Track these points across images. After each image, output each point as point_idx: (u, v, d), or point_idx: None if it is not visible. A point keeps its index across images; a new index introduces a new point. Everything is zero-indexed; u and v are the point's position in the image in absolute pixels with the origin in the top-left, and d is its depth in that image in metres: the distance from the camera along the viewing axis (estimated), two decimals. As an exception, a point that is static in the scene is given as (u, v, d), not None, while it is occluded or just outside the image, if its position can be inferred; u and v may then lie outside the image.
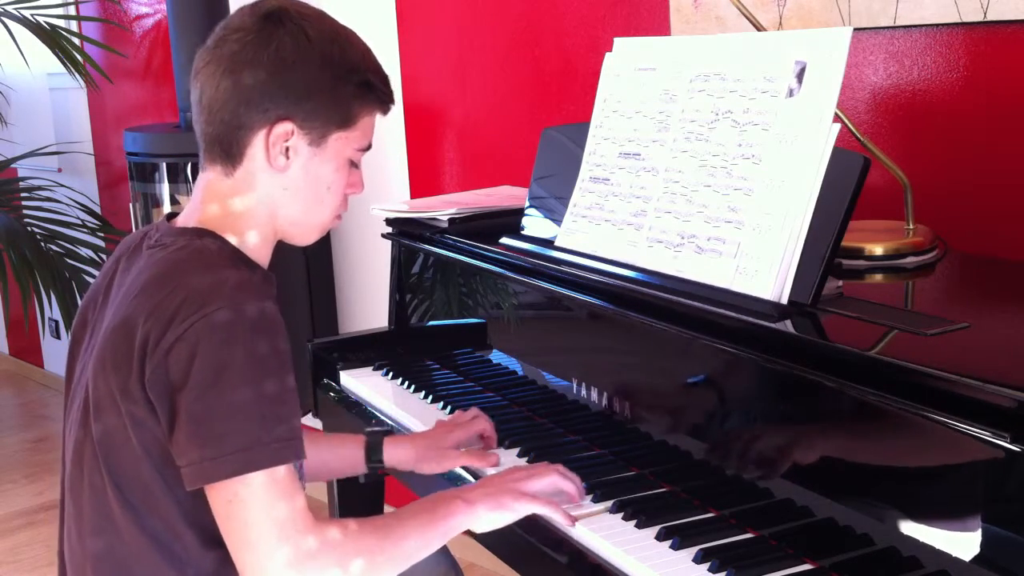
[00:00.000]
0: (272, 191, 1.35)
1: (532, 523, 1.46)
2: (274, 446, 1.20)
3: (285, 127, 1.31)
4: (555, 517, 1.41)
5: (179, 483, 1.24)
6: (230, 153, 1.33)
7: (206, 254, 1.29)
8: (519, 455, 1.64)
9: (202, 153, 1.37)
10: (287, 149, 1.33)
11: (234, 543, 1.22)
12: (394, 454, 1.66)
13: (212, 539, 1.28)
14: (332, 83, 1.32)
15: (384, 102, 1.39)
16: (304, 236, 1.41)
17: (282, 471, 1.21)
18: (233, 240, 1.34)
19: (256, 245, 1.36)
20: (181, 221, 1.38)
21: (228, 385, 1.19)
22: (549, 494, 1.43)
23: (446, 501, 1.38)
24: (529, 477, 1.43)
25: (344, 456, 1.67)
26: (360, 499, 2.01)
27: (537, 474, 1.44)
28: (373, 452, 1.66)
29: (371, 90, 1.36)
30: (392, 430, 1.71)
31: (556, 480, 1.44)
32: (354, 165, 1.40)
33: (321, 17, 1.35)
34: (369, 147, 1.40)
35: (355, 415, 1.99)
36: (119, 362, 1.25)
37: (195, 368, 1.19)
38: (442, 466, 1.64)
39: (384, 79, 1.38)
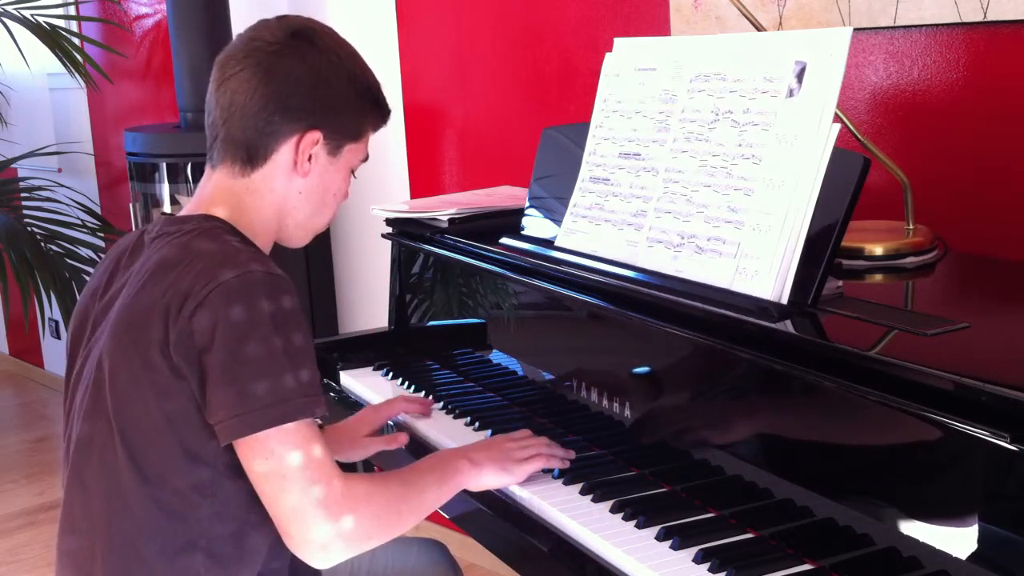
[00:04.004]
0: (287, 194, 1.44)
1: (533, 523, 1.46)
2: (301, 400, 1.27)
3: (314, 136, 1.41)
4: (553, 464, 1.55)
5: (201, 452, 1.29)
6: (255, 156, 1.41)
7: (214, 232, 1.37)
8: (519, 455, 1.65)
9: (217, 152, 1.44)
10: (309, 157, 1.42)
11: (273, 499, 1.28)
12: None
13: (227, 512, 1.33)
14: (355, 100, 1.45)
15: (384, 118, 1.53)
16: (302, 238, 1.50)
17: (309, 423, 1.28)
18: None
19: (259, 242, 1.43)
20: (185, 213, 1.44)
21: (252, 345, 1.25)
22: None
23: (453, 461, 1.49)
24: (524, 447, 1.56)
25: None
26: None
27: (531, 445, 1.56)
28: None
29: (379, 108, 1.50)
30: (322, 425, 1.79)
31: (544, 447, 1.57)
32: (352, 174, 1.51)
33: (339, 38, 1.47)
34: (367, 158, 1.53)
35: (355, 415, 1.99)
36: (137, 339, 1.29)
37: (218, 331, 1.25)
38: (355, 455, 1.79)
39: (385, 98, 1.52)
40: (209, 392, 1.26)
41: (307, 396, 1.27)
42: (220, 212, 1.42)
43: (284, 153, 1.41)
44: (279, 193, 1.43)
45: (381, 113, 1.50)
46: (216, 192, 1.43)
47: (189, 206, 1.45)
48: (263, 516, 1.32)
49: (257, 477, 1.28)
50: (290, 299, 1.29)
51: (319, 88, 1.40)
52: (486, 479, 1.50)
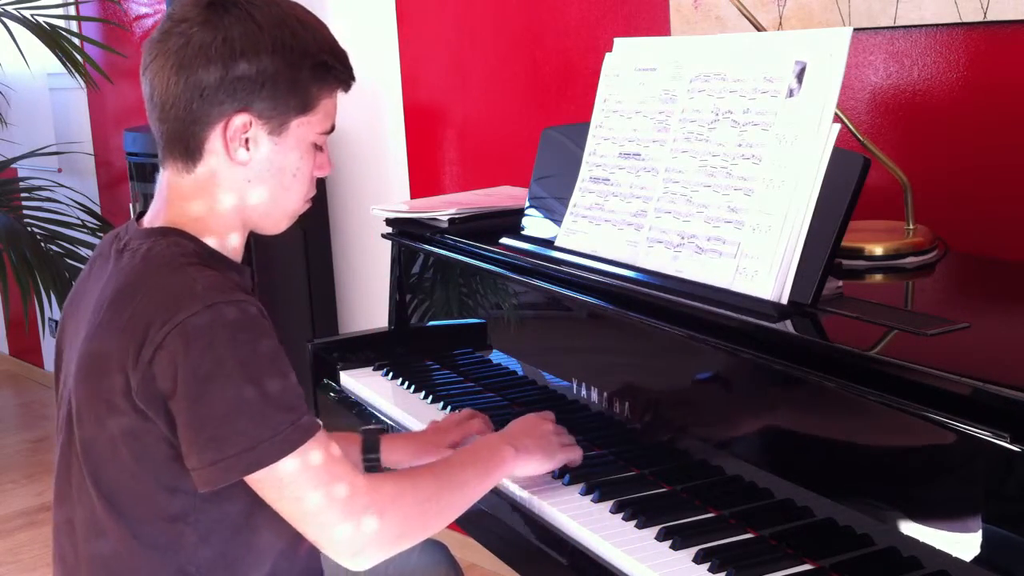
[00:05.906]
0: (236, 184, 1.31)
1: (534, 523, 1.46)
2: (280, 437, 1.19)
3: (242, 119, 1.28)
4: (579, 460, 1.55)
5: (179, 484, 1.24)
6: (189, 149, 1.29)
7: (172, 256, 1.26)
8: (519, 455, 1.64)
9: (160, 151, 1.33)
10: (246, 141, 1.29)
11: (298, 521, 1.24)
12: (391, 453, 1.66)
13: (214, 535, 1.27)
14: (286, 70, 1.27)
15: (344, 80, 1.35)
16: (275, 225, 1.38)
17: (309, 448, 1.21)
18: (200, 238, 1.32)
19: (225, 241, 1.34)
20: (147, 221, 1.35)
21: (217, 388, 1.17)
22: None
23: (496, 450, 1.45)
24: (559, 432, 1.55)
25: None
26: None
27: (562, 431, 1.56)
28: (369, 450, 1.65)
29: (328, 71, 1.32)
30: (386, 429, 1.72)
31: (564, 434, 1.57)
32: (319, 148, 1.36)
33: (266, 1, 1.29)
34: (333, 128, 1.36)
35: (355, 415, 1.99)
36: (100, 377, 1.23)
37: (180, 376, 1.18)
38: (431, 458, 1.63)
39: (341, 57, 1.34)
40: (180, 438, 1.20)
41: (291, 424, 1.19)
42: (175, 218, 1.31)
43: (216, 142, 1.28)
44: (227, 185, 1.31)
45: (335, 76, 1.33)
46: (169, 195, 1.33)
47: (152, 209, 1.36)
48: (257, 531, 1.27)
49: (270, 501, 1.23)
50: (253, 334, 1.20)
51: (236, 65, 1.25)
52: (533, 466, 1.48)
